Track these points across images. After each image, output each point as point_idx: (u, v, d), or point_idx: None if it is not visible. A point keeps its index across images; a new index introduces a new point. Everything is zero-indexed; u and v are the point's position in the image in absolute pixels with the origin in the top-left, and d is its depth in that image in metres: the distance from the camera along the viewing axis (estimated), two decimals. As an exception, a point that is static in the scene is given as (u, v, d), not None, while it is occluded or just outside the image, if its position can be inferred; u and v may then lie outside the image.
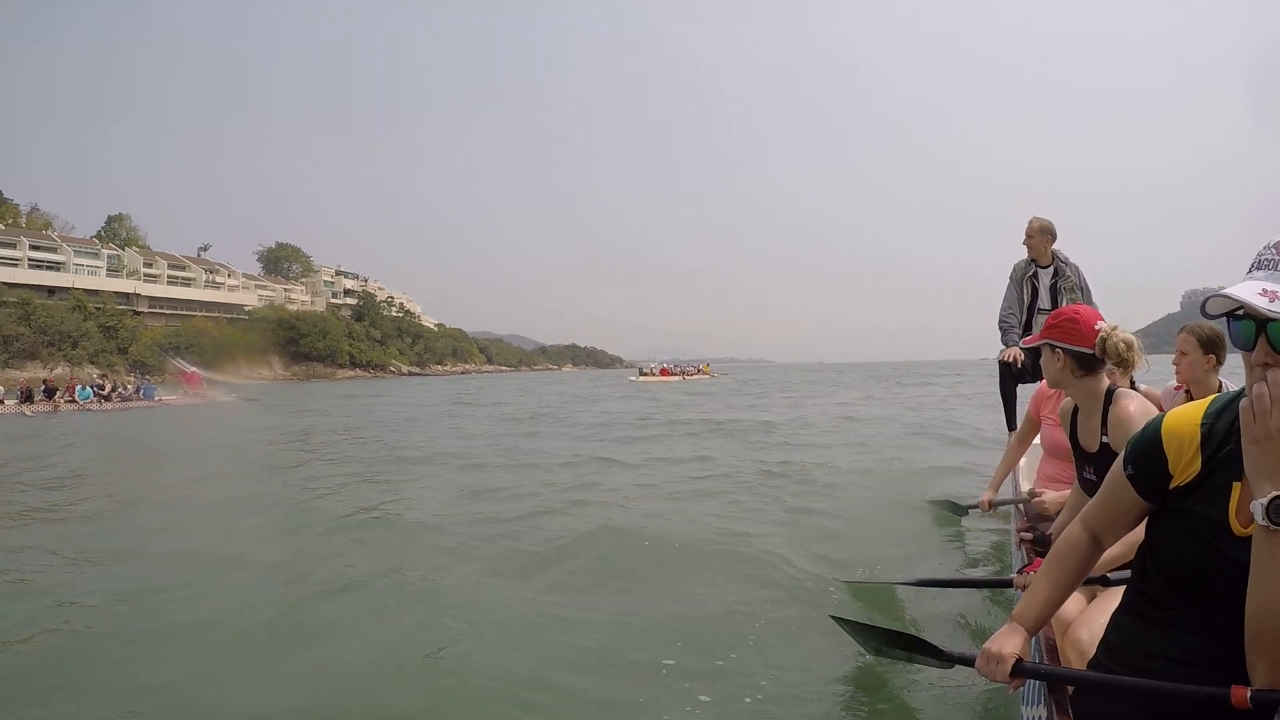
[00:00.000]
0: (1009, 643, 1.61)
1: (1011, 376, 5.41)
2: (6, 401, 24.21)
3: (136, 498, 7.52)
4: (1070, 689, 1.67)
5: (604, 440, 12.36)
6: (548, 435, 13.46)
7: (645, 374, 56.63)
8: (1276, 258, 1.25)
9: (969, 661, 1.78)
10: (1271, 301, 1.20)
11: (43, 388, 26.04)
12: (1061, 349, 2.40)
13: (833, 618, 2.96)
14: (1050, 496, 3.23)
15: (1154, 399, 3.42)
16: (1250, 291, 1.22)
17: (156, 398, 28.04)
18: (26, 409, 23.16)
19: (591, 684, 2.93)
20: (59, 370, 42.52)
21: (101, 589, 4.28)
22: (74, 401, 24.75)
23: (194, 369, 36.09)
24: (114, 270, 70.98)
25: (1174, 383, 3.47)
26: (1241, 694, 1.23)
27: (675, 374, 57.40)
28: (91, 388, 26.75)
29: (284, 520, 6.19)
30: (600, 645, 3.28)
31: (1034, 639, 1.70)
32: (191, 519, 6.23)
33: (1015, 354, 5.26)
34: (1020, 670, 1.59)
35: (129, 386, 29.04)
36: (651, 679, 2.96)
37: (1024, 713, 2.09)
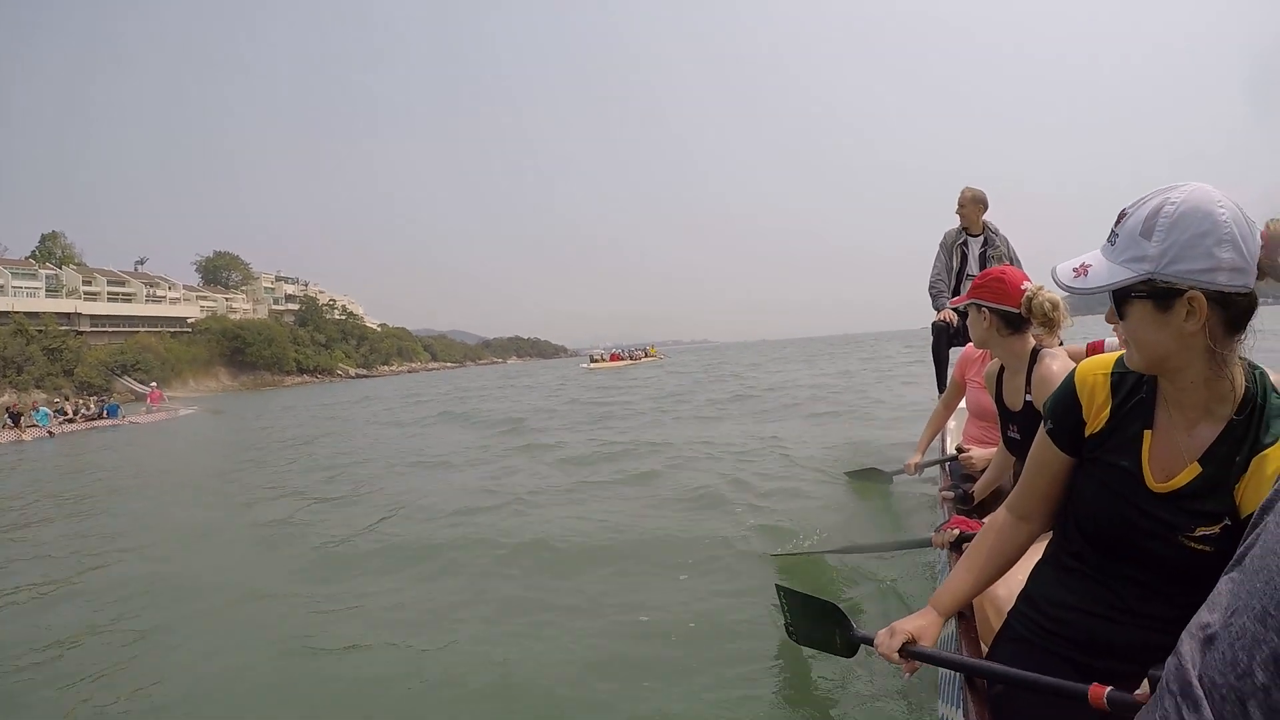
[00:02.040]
0: (910, 623, 1.58)
1: (946, 338, 5.47)
2: None
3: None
4: (985, 649, 1.66)
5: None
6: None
7: (596, 361, 59.25)
8: (1114, 231, 1.22)
9: (870, 640, 1.70)
10: (1076, 277, 1.22)
11: (6, 414, 24.52)
12: (988, 308, 2.42)
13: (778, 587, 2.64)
14: (978, 453, 3.16)
15: (1076, 355, 3.25)
16: (1065, 267, 1.25)
17: (122, 416, 27.34)
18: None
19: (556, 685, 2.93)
20: (4, 398, 42.10)
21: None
22: (35, 425, 23.64)
23: (152, 385, 36.44)
24: (53, 290, 69.07)
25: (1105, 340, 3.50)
26: (1099, 693, 1.19)
27: (624, 358, 59.95)
28: (51, 411, 25.58)
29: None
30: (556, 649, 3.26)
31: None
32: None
33: (950, 315, 5.32)
34: (907, 652, 1.55)
35: (91, 406, 28.36)
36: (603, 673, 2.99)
37: (941, 674, 2.04)
